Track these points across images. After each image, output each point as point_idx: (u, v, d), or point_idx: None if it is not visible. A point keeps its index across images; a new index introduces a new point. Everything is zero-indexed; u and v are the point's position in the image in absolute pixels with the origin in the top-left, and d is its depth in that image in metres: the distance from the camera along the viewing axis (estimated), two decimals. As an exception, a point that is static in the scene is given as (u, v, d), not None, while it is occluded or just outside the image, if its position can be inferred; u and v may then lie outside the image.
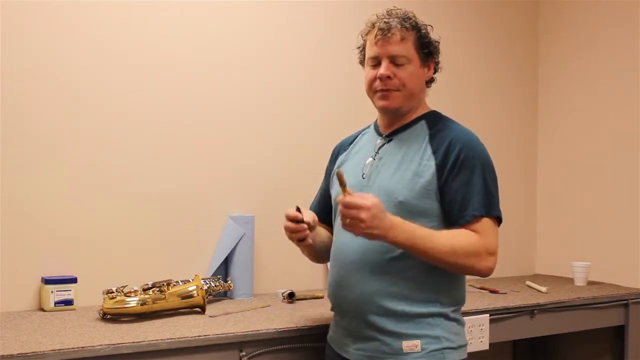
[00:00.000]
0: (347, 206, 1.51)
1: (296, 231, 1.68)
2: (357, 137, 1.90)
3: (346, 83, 2.72)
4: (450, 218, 1.65)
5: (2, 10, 2.10)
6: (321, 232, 1.86)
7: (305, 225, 1.68)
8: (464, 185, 1.63)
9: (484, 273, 1.64)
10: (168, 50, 2.39)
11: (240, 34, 2.54)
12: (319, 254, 1.88)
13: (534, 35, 3.33)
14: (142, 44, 2.34)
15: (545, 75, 3.32)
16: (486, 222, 1.64)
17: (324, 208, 1.90)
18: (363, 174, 1.73)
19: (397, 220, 1.55)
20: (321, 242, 1.84)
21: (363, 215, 1.49)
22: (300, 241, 1.70)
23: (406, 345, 1.62)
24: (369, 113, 1.89)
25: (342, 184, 1.55)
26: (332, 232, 1.85)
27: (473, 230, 1.62)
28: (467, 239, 1.60)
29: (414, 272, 1.63)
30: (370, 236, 1.53)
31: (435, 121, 1.75)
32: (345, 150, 1.89)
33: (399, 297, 1.63)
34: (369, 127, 1.89)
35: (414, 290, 1.64)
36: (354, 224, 1.51)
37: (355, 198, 1.51)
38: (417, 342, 1.62)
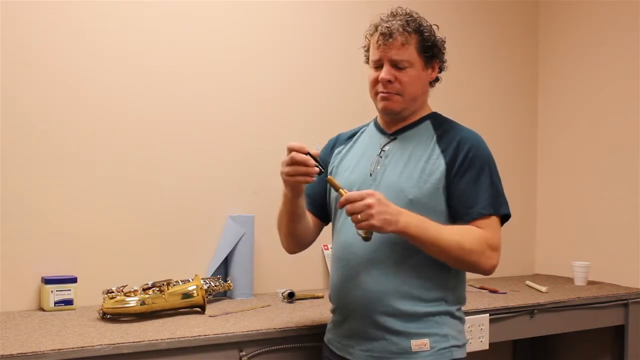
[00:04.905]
0: (351, 199, 1.51)
1: (303, 164, 1.57)
2: (356, 133, 1.88)
3: (346, 83, 2.72)
4: (457, 215, 1.66)
5: (3, 10, 2.10)
6: (307, 214, 1.82)
7: (313, 163, 1.57)
8: (472, 183, 1.65)
9: (487, 270, 1.64)
10: (167, 51, 2.39)
11: (240, 33, 2.54)
12: (297, 232, 1.80)
13: (533, 36, 3.33)
14: (142, 45, 2.34)
15: (545, 75, 3.32)
16: (492, 220, 1.65)
17: (314, 195, 1.85)
18: (370, 172, 1.72)
19: (402, 209, 1.56)
20: (305, 226, 1.80)
21: (369, 200, 1.50)
22: (296, 182, 1.61)
23: (415, 344, 1.61)
24: (368, 112, 1.89)
25: (337, 188, 1.57)
26: (314, 221, 1.86)
27: (477, 227, 1.63)
28: (472, 234, 1.61)
29: (422, 271, 1.63)
30: (382, 223, 1.50)
31: (440, 122, 1.76)
32: (342, 144, 1.87)
33: (408, 296, 1.63)
34: (367, 124, 1.88)
35: (422, 289, 1.64)
36: (365, 216, 1.49)
37: (355, 191, 1.54)
38: (426, 340, 1.62)
